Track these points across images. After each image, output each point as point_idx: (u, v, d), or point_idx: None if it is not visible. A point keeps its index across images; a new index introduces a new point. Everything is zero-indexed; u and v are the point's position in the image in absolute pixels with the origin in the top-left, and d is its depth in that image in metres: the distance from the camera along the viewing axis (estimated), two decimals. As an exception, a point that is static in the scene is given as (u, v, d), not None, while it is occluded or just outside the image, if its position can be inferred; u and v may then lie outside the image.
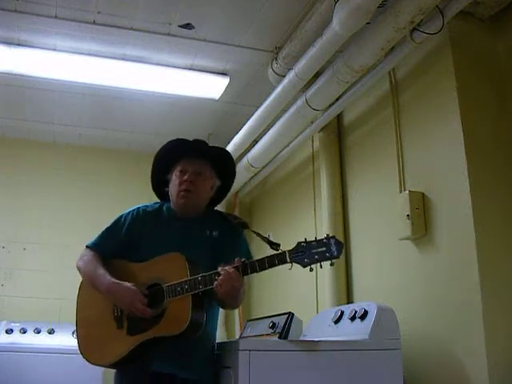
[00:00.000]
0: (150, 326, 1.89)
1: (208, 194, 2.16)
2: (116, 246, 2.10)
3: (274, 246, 1.94)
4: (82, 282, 2.12)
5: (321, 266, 1.79)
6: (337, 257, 1.77)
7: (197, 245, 2.05)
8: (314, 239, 1.80)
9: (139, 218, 2.13)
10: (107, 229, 2.15)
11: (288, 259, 1.79)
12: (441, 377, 2.39)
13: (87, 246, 2.12)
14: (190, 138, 2.13)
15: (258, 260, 1.85)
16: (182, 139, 2.13)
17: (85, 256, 2.09)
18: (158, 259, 1.99)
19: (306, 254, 1.78)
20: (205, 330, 1.93)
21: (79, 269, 2.09)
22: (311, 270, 1.79)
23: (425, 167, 2.69)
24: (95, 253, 2.08)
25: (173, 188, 2.11)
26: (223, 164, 2.19)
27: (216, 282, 1.82)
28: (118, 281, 1.95)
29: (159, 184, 2.20)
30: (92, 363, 2.01)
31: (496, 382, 2.16)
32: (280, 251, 1.84)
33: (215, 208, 2.26)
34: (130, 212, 2.15)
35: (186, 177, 2.07)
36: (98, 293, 2.01)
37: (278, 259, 1.81)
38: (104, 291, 1.97)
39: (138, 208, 2.17)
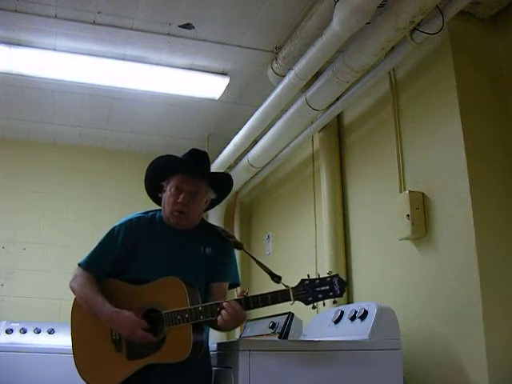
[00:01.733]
0: (151, 352, 1.89)
1: (202, 209, 2.14)
2: (110, 264, 2.04)
3: (276, 278, 1.98)
4: (75, 301, 2.05)
5: (324, 304, 1.83)
6: (340, 296, 1.80)
7: (191, 262, 2.04)
8: (317, 277, 1.83)
9: (132, 229, 2.07)
10: (100, 244, 2.07)
11: (292, 298, 1.82)
12: (441, 377, 2.39)
13: (80, 265, 2.05)
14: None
15: (261, 295, 1.87)
16: (182, 159, 2.10)
17: (79, 277, 2.02)
18: (155, 283, 1.96)
19: (310, 292, 1.81)
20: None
21: (74, 291, 2.02)
22: (314, 307, 1.82)
23: (425, 167, 2.69)
24: (89, 274, 2.01)
25: (166, 203, 2.07)
26: (221, 184, 2.18)
27: (220, 317, 1.82)
28: (118, 310, 1.91)
29: (152, 187, 2.16)
30: None
31: (496, 382, 2.16)
32: (284, 287, 1.86)
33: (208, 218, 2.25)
34: (122, 224, 2.09)
35: (180, 199, 2.03)
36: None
37: (281, 297, 1.83)
38: (104, 320, 1.93)
39: (131, 219, 2.11)
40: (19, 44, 3.16)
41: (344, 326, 2.42)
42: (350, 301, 3.12)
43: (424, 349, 2.48)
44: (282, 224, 4.16)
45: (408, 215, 2.59)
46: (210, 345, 2.08)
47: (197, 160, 2.10)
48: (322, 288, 1.80)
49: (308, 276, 1.83)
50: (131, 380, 1.91)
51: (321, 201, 3.43)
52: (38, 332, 3.51)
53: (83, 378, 1.97)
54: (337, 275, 1.82)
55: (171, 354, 1.87)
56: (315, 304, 1.82)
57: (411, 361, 2.45)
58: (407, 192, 2.64)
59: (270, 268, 2.06)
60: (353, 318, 2.38)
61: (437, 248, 2.54)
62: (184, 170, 2.06)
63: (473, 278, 2.28)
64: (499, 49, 2.67)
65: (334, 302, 1.86)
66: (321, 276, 1.83)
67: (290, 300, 1.82)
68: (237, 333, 4.35)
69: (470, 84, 2.56)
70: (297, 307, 2.93)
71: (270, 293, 1.85)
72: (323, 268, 3.27)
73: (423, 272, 2.60)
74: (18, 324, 3.54)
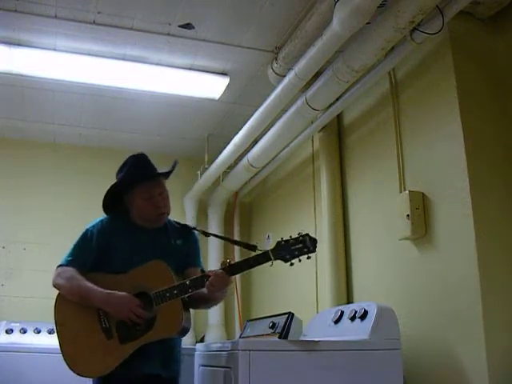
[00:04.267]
0: (143, 333, 1.96)
1: None
2: (90, 259, 2.12)
3: (252, 247, 2.11)
4: (57, 299, 2.11)
5: (299, 261, 1.96)
6: (313, 251, 1.97)
7: (165, 254, 2.11)
8: (290, 238, 1.98)
9: (104, 229, 2.17)
10: (77, 244, 2.17)
11: (272, 257, 1.95)
12: (441, 377, 2.39)
13: (61, 265, 2.13)
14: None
15: (243, 260, 2.00)
16: (139, 171, 2.18)
17: (64, 273, 2.09)
18: (138, 269, 2.05)
19: (287, 251, 1.96)
20: None
21: (59, 287, 2.09)
22: (292, 264, 1.96)
23: (425, 167, 2.69)
24: (73, 269, 2.09)
25: (145, 210, 2.16)
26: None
27: (207, 283, 1.94)
28: (111, 291, 1.99)
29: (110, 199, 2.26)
30: (85, 376, 2.01)
31: (496, 382, 2.16)
32: (263, 251, 1.99)
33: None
34: (94, 225, 2.19)
35: (161, 203, 2.16)
36: (79, 307, 2.03)
37: (262, 258, 1.97)
38: (99, 303, 2.00)
39: (101, 220, 2.21)
40: (19, 44, 3.16)
41: (344, 325, 2.42)
42: (350, 301, 3.12)
43: (424, 349, 2.48)
44: (282, 224, 4.16)
45: (408, 215, 2.59)
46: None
47: (148, 164, 2.21)
48: (297, 246, 1.95)
49: (282, 238, 1.97)
50: (125, 364, 1.95)
51: (321, 201, 3.43)
52: (38, 332, 3.52)
53: (77, 373, 1.99)
54: (307, 234, 1.98)
55: (164, 329, 1.96)
56: (293, 261, 1.96)
57: (411, 361, 2.45)
58: (407, 192, 2.64)
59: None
60: (353, 318, 2.38)
61: (437, 248, 2.54)
62: (149, 179, 2.17)
63: (473, 278, 2.29)
64: (499, 49, 2.67)
65: (308, 258, 1.98)
66: (293, 236, 1.98)
67: (271, 260, 1.95)
68: (237, 333, 4.36)
69: (470, 84, 2.56)
70: (297, 307, 2.93)
71: (252, 257, 1.99)
72: (323, 267, 3.27)
73: (423, 272, 2.60)
74: (18, 324, 3.54)
